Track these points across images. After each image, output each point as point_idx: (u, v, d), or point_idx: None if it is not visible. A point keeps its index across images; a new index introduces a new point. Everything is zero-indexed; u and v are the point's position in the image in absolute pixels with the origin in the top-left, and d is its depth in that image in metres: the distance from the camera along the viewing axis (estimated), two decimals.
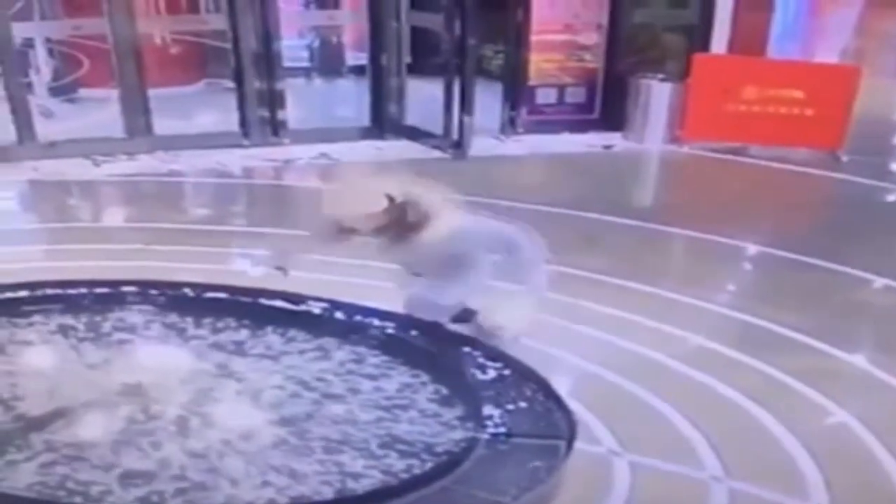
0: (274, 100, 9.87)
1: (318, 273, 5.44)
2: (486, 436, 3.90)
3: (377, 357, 4.57)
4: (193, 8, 11.27)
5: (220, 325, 4.84)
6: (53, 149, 9.21)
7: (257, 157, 9.63)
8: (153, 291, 5.08)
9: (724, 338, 5.64)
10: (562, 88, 10.76)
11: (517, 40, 10.50)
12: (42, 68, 10.64)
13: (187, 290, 5.15)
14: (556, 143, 10.34)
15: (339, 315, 4.96)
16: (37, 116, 9.45)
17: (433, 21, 9.98)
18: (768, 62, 10.39)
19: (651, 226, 7.70)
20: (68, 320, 4.77)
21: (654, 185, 9.98)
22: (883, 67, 10.31)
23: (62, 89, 10.79)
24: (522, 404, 4.19)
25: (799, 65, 10.29)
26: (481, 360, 4.52)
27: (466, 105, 9.62)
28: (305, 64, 12.12)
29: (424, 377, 4.39)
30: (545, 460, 3.80)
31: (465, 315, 4.74)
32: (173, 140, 9.57)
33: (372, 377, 4.37)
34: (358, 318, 4.94)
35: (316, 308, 5.02)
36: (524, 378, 4.37)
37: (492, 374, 4.44)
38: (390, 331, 4.78)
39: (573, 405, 4.25)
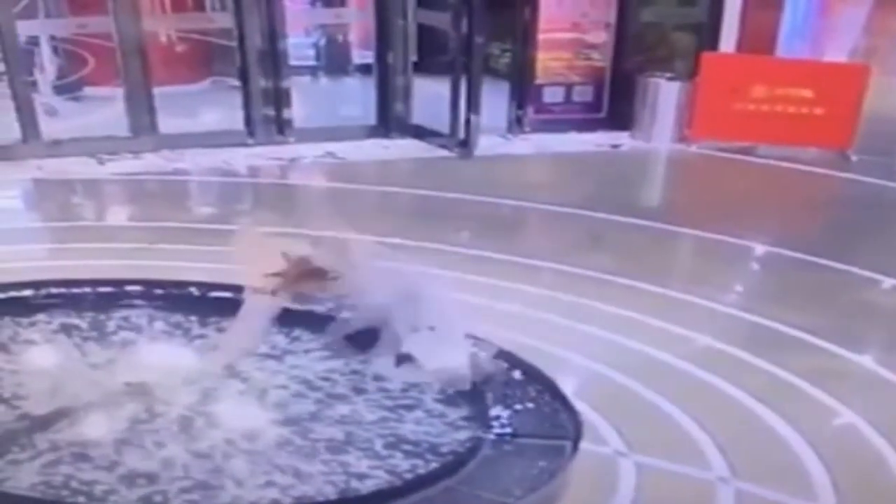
0: (279, 98, 9.85)
1: None
2: (491, 436, 3.87)
3: (381, 355, 4.52)
4: (199, 6, 11.25)
5: (224, 324, 4.80)
6: (58, 147, 9.20)
7: (262, 156, 9.62)
8: (158, 291, 5.05)
9: (731, 338, 5.62)
10: (569, 87, 10.72)
11: (524, 39, 10.47)
12: (47, 66, 10.62)
13: (192, 290, 5.11)
14: (563, 143, 10.32)
15: (344, 314, 4.91)
16: (41, 115, 9.43)
17: (440, 19, 9.95)
18: (777, 61, 10.34)
19: (659, 225, 7.68)
20: (72, 319, 4.73)
21: (661, 185, 9.95)
22: (893, 66, 10.25)
23: (67, 87, 10.78)
24: (528, 404, 4.15)
25: (808, 64, 10.24)
26: (487, 360, 4.48)
27: (473, 104, 9.59)
28: (311, 62, 12.08)
29: (429, 376, 4.34)
30: (551, 461, 3.76)
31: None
32: (178, 138, 9.55)
33: (376, 377, 4.34)
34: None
35: (320, 308, 4.97)
36: (530, 378, 4.33)
37: (498, 374, 4.39)
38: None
39: (579, 405, 4.22)
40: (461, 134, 9.72)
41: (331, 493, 3.47)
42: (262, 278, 3.99)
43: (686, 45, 10.77)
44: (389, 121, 10.27)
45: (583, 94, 10.77)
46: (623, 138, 10.42)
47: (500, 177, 9.24)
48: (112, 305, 4.87)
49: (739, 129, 9.93)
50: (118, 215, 8.36)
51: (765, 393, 4.96)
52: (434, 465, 3.65)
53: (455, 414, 4.07)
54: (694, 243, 7.52)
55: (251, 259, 4.09)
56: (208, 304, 4.98)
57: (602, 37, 10.64)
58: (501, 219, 8.14)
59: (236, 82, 9.99)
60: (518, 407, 4.11)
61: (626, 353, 5.34)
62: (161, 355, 4.43)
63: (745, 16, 10.34)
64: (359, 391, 4.19)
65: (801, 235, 7.61)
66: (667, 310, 5.92)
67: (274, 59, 9.76)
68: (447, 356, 4.04)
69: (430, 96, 10.20)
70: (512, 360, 4.46)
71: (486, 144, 9.89)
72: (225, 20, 9.97)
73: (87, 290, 4.97)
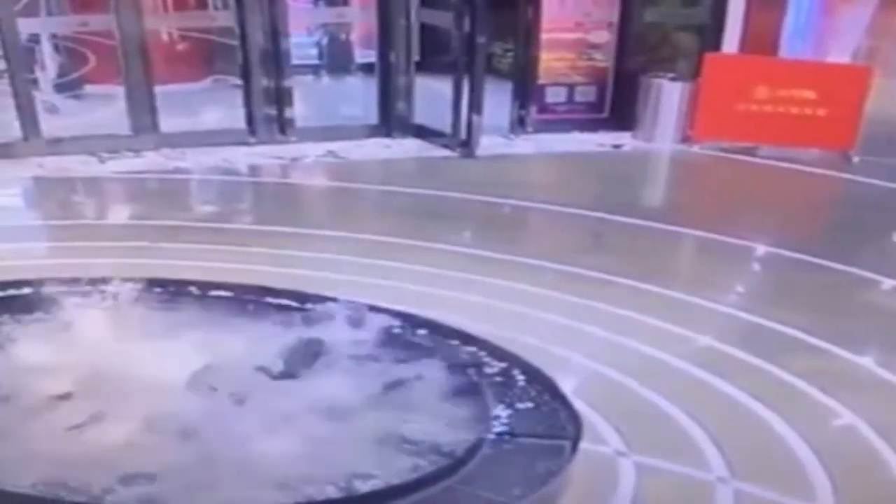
0: (281, 97, 9.84)
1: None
2: (491, 435, 3.87)
3: (382, 355, 4.53)
4: (201, 4, 11.24)
5: (225, 322, 4.80)
6: (59, 145, 9.20)
7: (264, 155, 9.61)
8: (158, 289, 5.05)
9: (732, 338, 5.61)
10: (572, 87, 10.71)
11: (527, 38, 10.46)
12: (48, 64, 10.63)
13: (193, 289, 5.12)
14: (565, 143, 10.31)
15: (344, 312, 4.91)
16: (42, 113, 9.43)
17: (443, 19, 9.94)
18: (780, 62, 10.33)
19: (660, 226, 7.67)
20: (72, 318, 4.73)
21: (663, 185, 9.94)
22: (895, 68, 10.25)
23: (68, 86, 10.78)
24: (528, 404, 4.15)
25: (811, 65, 10.22)
26: (487, 359, 4.49)
27: (475, 103, 9.58)
28: (314, 61, 12.07)
29: (430, 376, 4.34)
30: (550, 460, 3.76)
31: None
32: (179, 137, 9.55)
33: (377, 376, 4.33)
34: (363, 315, 4.89)
35: (321, 306, 4.97)
36: (530, 377, 4.33)
37: (497, 374, 4.40)
38: (396, 329, 4.74)
39: (579, 405, 4.21)
40: (463, 134, 9.71)
41: (332, 492, 3.46)
42: None
43: (689, 45, 10.76)
44: (391, 120, 10.26)
45: (585, 94, 10.77)
46: (625, 138, 10.41)
47: (502, 177, 9.23)
48: (113, 304, 4.87)
49: (742, 129, 9.92)
50: (119, 214, 8.34)
51: (764, 393, 4.95)
52: (434, 464, 3.65)
53: (455, 413, 4.07)
54: (695, 243, 7.51)
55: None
56: (209, 302, 4.99)
57: (605, 37, 10.63)
58: (503, 219, 8.13)
59: (238, 81, 9.98)
60: (518, 406, 4.10)
61: (626, 353, 5.34)
62: (160, 354, 4.41)
63: (748, 16, 10.32)
64: (359, 390, 4.19)
65: (802, 236, 7.60)
66: (667, 310, 5.91)
67: (276, 58, 9.75)
68: None
69: (432, 96, 10.19)
70: (512, 360, 4.46)
71: (489, 144, 9.88)
72: (227, 18, 9.95)
73: (88, 288, 4.98)
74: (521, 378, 4.36)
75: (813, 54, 10.34)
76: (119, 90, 9.55)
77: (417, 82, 10.25)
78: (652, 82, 10.29)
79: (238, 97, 9.89)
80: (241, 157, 9.49)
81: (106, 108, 9.94)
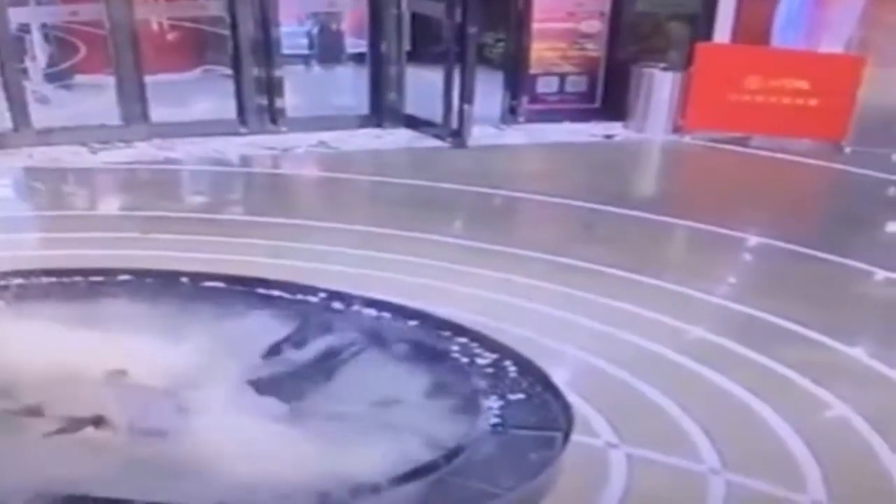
0: (272, 87, 9.81)
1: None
2: (483, 427, 3.86)
3: (373, 347, 4.52)
4: None
5: (216, 313, 4.79)
6: (49, 136, 9.16)
7: (255, 145, 9.58)
8: (149, 280, 5.03)
9: (724, 330, 5.61)
10: (563, 77, 10.69)
11: (518, 28, 10.44)
12: (38, 54, 10.57)
13: (184, 279, 5.10)
14: (556, 133, 10.29)
15: (336, 304, 4.90)
16: (32, 103, 9.38)
17: (434, 8, 9.91)
18: (772, 52, 10.31)
19: (652, 216, 7.66)
20: (63, 309, 4.71)
21: (655, 176, 9.94)
22: (888, 58, 10.23)
23: (58, 75, 10.73)
24: (520, 395, 4.14)
25: (803, 54, 10.21)
26: (478, 350, 4.48)
27: (466, 93, 9.56)
28: (304, 51, 12.02)
29: (421, 368, 4.34)
30: (542, 452, 3.76)
31: None
32: (170, 127, 9.51)
33: (368, 367, 4.33)
34: (356, 307, 4.88)
35: (313, 298, 4.96)
36: (522, 369, 4.32)
37: (489, 365, 4.39)
38: (388, 320, 4.73)
39: (571, 397, 4.21)
40: (454, 124, 9.69)
41: (322, 484, 3.46)
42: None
43: (681, 35, 10.73)
44: (382, 110, 10.23)
45: (577, 84, 10.75)
46: (617, 129, 10.40)
47: (493, 167, 9.22)
48: (104, 295, 4.85)
49: (734, 119, 9.92)
50: (110, 204, 8.32)
51: (757, 385, 4.96)
52: (426, 456, 3.64)
53: (447, 405, 4.07)
54: (687, 234, 7.51)
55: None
56: (200, 293, 4.97)
57: (596, 26, 10.61)
58: (494, 209, 8.12)
59: (228, 71, 9.95)
60: (510, 398, 4.10)
61: (617, 345, 5.34)
62: (151, 345, 4.40)
63: (739, 6, 10.31)
64: (350, 382, 4.19)
65: (794, 227, 7.60)
66: (659, 301, 5.91)
67: (266, 48, 9.72)
68: None
69: (423, 86, 10.16)
70: (504, 351, 4.45)
71: (480, 134, 9.86)
72: (217, 8, 9.91)
73: (79, 279, 4.96)
74: (512, 369, 4.35)
75: (805, 44, 10.32)
76: (109, 80, 9.51)
77: (409, 72, 10.22)
78: (644, 72, 10.28)
79: (229, 87, 9.86)
80: (232, 147, 9.46)
81: (96, 99, 9.90)
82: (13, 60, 9.26)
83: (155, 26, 10.93)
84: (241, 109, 9.83)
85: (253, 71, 9.73)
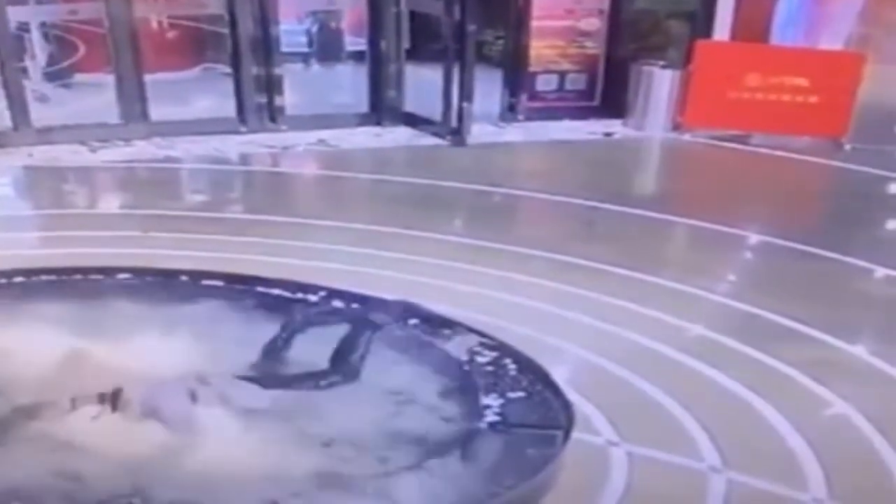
0: (271, 85, 9.81)
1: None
2: (482, 425, 3.84)
3: (372, 345, 4.50)
4: None
5: (216, 313, 4.77)
6: (49, 134, 9.15)
7: (254, 144, 9.58)
8: (149, 279, 5.00)
9: (723, 327, 5.60)
10: (562, 75, 10.69)
11: (518, 26, 10.44)
12: (37, 53, 10.56)
13: (184, 278, 5.07)
14: (556, 131, 10.29)
15: (336, 303, 4.88)
16: (32, 102, 9.38)
17: (433, 6, 9.90)
18: (771, 49, 10.31)
19: (652, 214, 7.66)
20: (63, 308, 4.69)
21: (654, 173, 9.94)
22: (888, 55, 10.23)
23: (57, 74, 10.73)
24: (519, 393, 4.12)
25: (802, 52, 10.21)
26: (478, 348, 4.46)
27: (466, 91, 9.56)
28: (304, 49, 12.03)
29: (419, 366, 4.32)
30: (542, 450, 3.74)
31: None
32: (170, 126, 9.51)
33: (366, 366, 4.31)
34: (354, 306, 4.86)
35: (313, 296, 4.93)
36: (521, 367, 4.30)
37: (489, 363, 4.37)
38: (385, 319, 4.70)
39: (571, 395, 4.20)
40: (454, 122, 9.69)
41: (322, 485, 3.44)
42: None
43: (680, 32, 10.74)
44: (382, 108, 10.23)
45: (576, 81, 10.75)
46: (616, 126, 10.40)
47: (492, 165, 9.22)
48: (104, 294, 4.83)
49: (733, 117, 9.91)
50: (110, 203, 8.31)
51: (757, 383, 4.95)
52: (424, 454, 3.63)
53: (445, 403, 4.05)
54: (686, 232, 7.51)
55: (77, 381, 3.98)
56: (200, 292, 4.95)
57: (595, 24, 10.61)
58: (494, 207, 8.12)
59: (228, 69, 9.95)
60: (509, 396, 4.08)
61: (618, 342, 5.33)
62: (152, 344, 4.38)
63: (739, 3, 10.30)
64: (349, 381, 4.17)
65: (794, 224, 7.60)
66: (659, 299, 5.91)
67: (266, 46, 9.72)
68: None
69: (422, 84, 10.16)
70: (503, 349, 4.44)
71: (479, 132, 9.86)
72: (216, 6, 9.91)
73: (79, 278, 4.94)
74: (512, 367, 4.34)
75: (805, 41, 10.33)
76: (109, 79, 9.51)
77: (408, 70, 10.22)
78: (643, 70, 10.27)
79: (228, 85, 9.86)
80: (232, 145, 9.46)
81: (96, 97, 9.90)
82: (13, 59, 9.26)
83: (154, 25, 10.93)
84: (240, 108, 9.83)
85: (252, 69, 9.73)
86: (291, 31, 11.20)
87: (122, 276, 4.92)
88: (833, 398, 4.91)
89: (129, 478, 3.26)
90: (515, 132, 10.31)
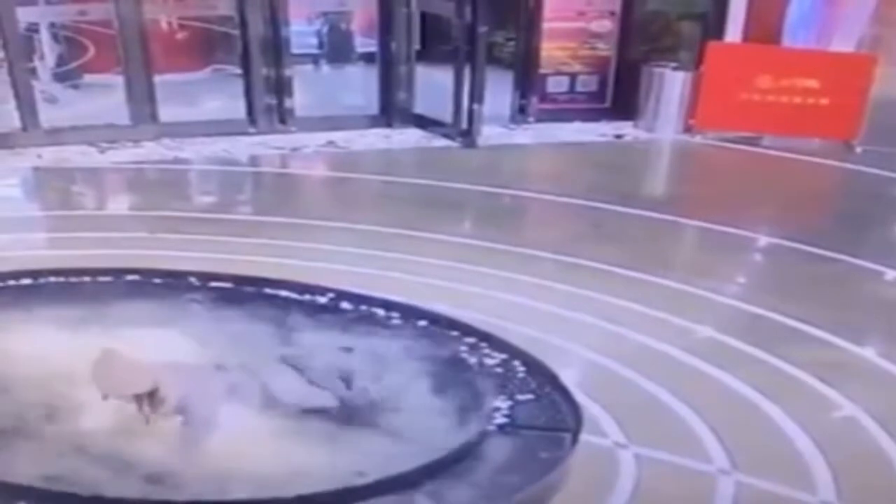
0: (281, 87, 9.82)
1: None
2: (490, 427, 3.83)
3: (380, 347, 4.49)
4: None
5: (223, 314, 4.76)
6: (58, 135, 9.17)
7: (264, 145, 9.58)
8: (158, 280, 5.00)
9: (733, 330, 5.58)
10: (573, 77, 10.67)
11: (529, 27, 10.42)
12: (47, 54, 10.59)
13: (192, 280, 5.07)
14: (566, 132, 10.27)
15: (344, 305, 4.87)
16: (41, 103, 9.40)
17: (443, 7, 9.89)
18: (783, 51, 10.27)
19: (662, 216, 7.64)
20: (71, 310, 4.69)
21: (665, 175, 9.91)
22: None
23: (66, 75, 10.75)
24: (528, 395, 4.11)
25: (814, 54, 10.16)
26: (487, 350, 4.45)
27: (476, 93, 9.54)
28: (314, 50, 12.02)
29: (428, 367, 4.31)
30: (550, 452, 3.72)
31: None
32: (179, 127, 9.52)
33: (374, 367, 4.30)
34: (363, 307, 4.85)
35: (320, 298, 4.92)
36: (530, 369, 4.29)
37: (497, 365, 4.36)
38: (395, 321, 4.69)
39: (579, 397, 4.18)
40: (464, 123, 9.67)
41: (326, 486, 3.43)
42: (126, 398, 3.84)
43: (691, 34, 10.71)
44: (392, 110, 10.22)
45: (587, 83, 10.73)
46: (627, 128, 10.37)
47: (503, 167, 9.21)
48: (112, 296, 4.83)
49: (744, 119, 9.88)
50: (118, 204, 8.33)
51: (766, 385, 4.92)
52: (433, 456, 3.62)
53: (454, 405, 4.04)
54: (697, 234, 7.48)
55: (112, 381, 3.96)
56: (208, 294, 4.94)
57: (607, 26, 10.59)
58: (504, 209, 8.10)
59: (238, 70, 9.96)
60: (518, 398, 4.07)
61: (626, 344, 5.32)
62: (159, 346, 4.37)
63: (751, 5, 10.27)
64: (355, 382, 4.16)
65: (804, 226, 7.57)
66: (668, 300, 5.89)
67: (276, 48, 9.72)
68: None
69: (433, 85, 10.15)
70: (512, 351, 4.43)
71: (490, 134, 9.85)
72: (226, 7, 9.92)
73: (87, 279, 4.94)
74: (521, 369, 4.32)
75: (816, 43, 10.28)
76: (118, 80, 9.52)
77: (418, 72, 10.21)
78: (654, 72, 10.25)
79: (238, 87, 9.87)
80: (242, 147, 9.47)
81: (105, 98, 9.91)
82: (22, 60, 9.28)
83: (164, 26, 10.94)
84: (250, 109, 9.84)
85: (262, 70, 9.74)
86: (301, 32, 11.19)
87: (130, 277, 4.93)
88: (842, 400, 4.89)
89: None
90: (526, 134, 10.29)
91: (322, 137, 9.74)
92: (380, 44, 10.27)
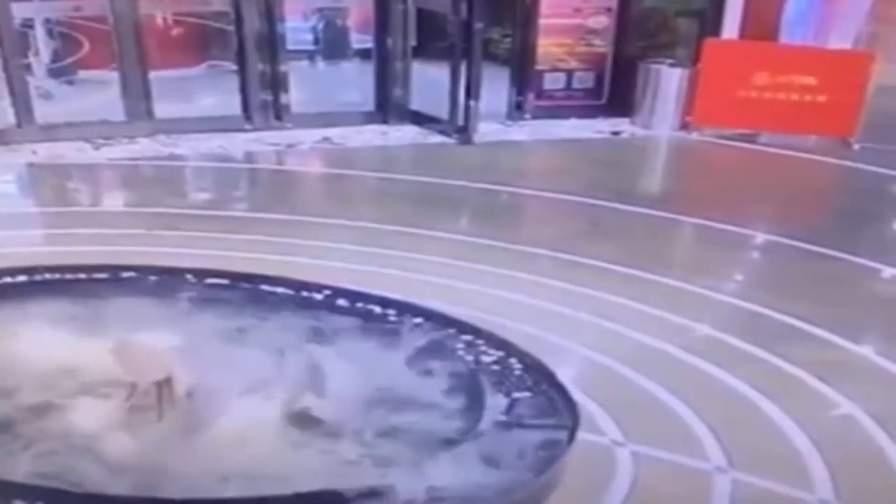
0: (277, 83, 9.80)
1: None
2: (486, 424, 3.81)
3: (375, 344, 4.47)
4: None
5: (220, 311, 4.74)
6: (53, 132, 9.14)
7: (260, 142, 9.56)
8: (153, 277, 4.97)
9: (730, 327, 5.57)
10: (570, 73, 10.66)
11: (525, 24, 10.41)
12: (41, 50, 10.54)
13: (189, 276, 5.04)
14: (563, 129, 10.26)
15: (341, 302, 4.84)
16: (36, 99, 9.36)
17: (439, 3, 9.87)
18: (780, 48, 10.25)
19: (659, 213, 7.63)
20: (67, 307, 4.66)
21: (661, 172, 9.89)
22: None
23: (61, 71, 10.70)
24: (525, 393, 4.09)
25: (811, 50, 10.15)
26: (483, 347, 4.43)
27: (473, 89, 9.53)
28: (309, 47, 11.99)
29: (423, 364, 4.29)
30: (547, 450, 3.70)
31: None
32: (174, 123, 9.50)
33: (369, 364, 4.28)
34: (359, 304, 4.83)
35: (318, 295, 4.90)
36: (527, 366, 4.27)
37: (494, 362, 4.34)
38: (392, 318, 4.67)
39: (576, 395, 4.17)
40: (460, 120, 9.66)
41: (321, 484, 3.41)
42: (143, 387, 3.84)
43: (688, 31, 10.70)
44: (388, 106, 10.20)
45: (583, 80, 10.71)
46: (624, 125, 10.36)
47: (499, 163, 9.19)
48: (108, 293, 4.80)
49: (741, 116, 9.87)
50: (114, 201, 8.30)
51: (763, 383, 4.91)
52: (428, 454, 3.60)
53: (450, 402, 4.02)
54: (694, 231, 7.47)
55: (135, 368, 3.96)
56: (205, 290, 4.92)
57: (603, 22, 10.57)
58: (500, 206, 8.09)
59: (233, 67, 9.93)
60: (514, 395, 4.05)
61: (623, 342, 5.30)
62: (156, 344, 4.35)
63: (748, 2, 10.26)
64: (349, 379, 4.14)
65: (801, 224, 7.56)
66: (665, 298, 5.87)
67: (271, 44, 9.70)
68: None
69: (429, 82, 10.13)
70: (509, 349, 4.41)
71: (486, 131, 9.84)
72: (222, 3, 9.90)
73: (83, 276, 4.91)
74: (517, 367, 4.30)
75: (813, 40, 10.27)
76: (113, 76, 9.49)
77: (414, 68, 10.19)
78: (651, 68, 10.24)
79: (233, 83, 9.84)
80: (237, 143, 9.44)
81: (100, 94, 9.87)
82: (17, 56, 9.25)
83: (159, 21, 10.90)
84: (245, 105, 9.82)
85: (258, 67, 9.72)
86: (297, 28, 11.16)
87: (126, 274, 4.90)
88: (839, 398, 4.88)
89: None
90: (522, 131, 10.28)
91: (318, 134, 9.72)
92: (376, 40, 10.26)
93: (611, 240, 7.02)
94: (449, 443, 3.63)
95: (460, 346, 4.47)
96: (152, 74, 9.46)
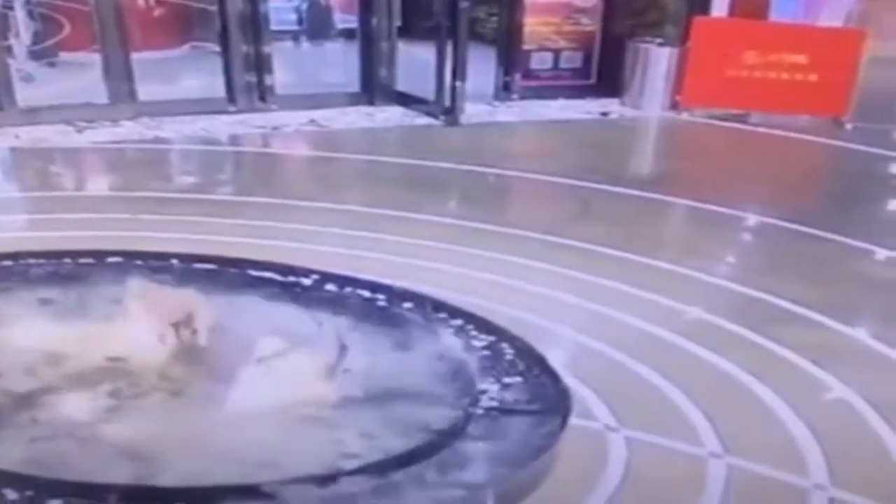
0: (261, 64, 9.71)
1: None
2: (478, 411, 3.76)
3: (367, 330, 4.41)
4: None
5: (209, 296, 4.66)
6: (35, 115, 9.03)
7: (244, 124, 9.48)
8: (139, 262, 4.90)
9: (722, 310, 5.52)
10: (557, 53, 10.59)
11: (511, 3, 10.35)
12: (22, 32, 10.39)
13: (174, 261, 4.97)
14: (551, 110, 10.20)
15: (329, 286, 4.78)
16: (17, 81, 9.24)
17: None
18: (770, 26, 10.20)
19: (649, 195, 7.58)
20: (51, 293, 4.59)
21: (651, 153, 9.84)
22: (889, 31, 10.14)
23: (42, 53, 10.56)
24: (516, 378, 4.04)
25: (802, 29, 10.10)
26: (474, 333, 4.37)
27: (459, 70, 9.45)
28: (294, 27, 11.89)
29: (416, 351, 4.24)
30: (539, 435, 3.66)
31: None
32: (158, 106, 9.41)
33: (362, 351, 4.22)
34: (349, 289, 4.76)
35: (306, 280, 4.83)
36: (518, 352, 4.22)
37: (485, 347, 4.29)
38: (381, 303, 4.61)
39: (568, 380, 4.11)
40: (447, 101, 9.59)
41: (318, 471, 3.36)
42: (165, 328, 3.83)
43: (677, 9, 10.62)
44: (373, 87, 10.12)
45: (571, 59, 10.65)
46: (612, 105, 10.31)
47: (486, 145, 9.13)
48: (93, 278, 4.73)
49: (731, 95, 9.83)
50: (98, 185, 8.20)
51: (757, 367, 4.87)
52: (421, 441, 3.55)
53: (442, 389, 3.97)
54: (684, 213, 7.43)
55: (149, 311, 3.94)
56: (191, 275, 4.85)
57: (591, 0, 10.48)
58: (488, 188, 8.02)
59: (216, 48, 9.82)
60: (505, 381, 4.01)
61: (615, 326, 5.25)
62: (142, 329, 4.28)
63: None
64: (344, 366, 4.08)
65: (793, 205, 7.53)
66: (657, 281, 5.83)
67: (255, 24, 9.61)
68: None
69: (415, 62, 10.04)
70: (500, 334, 4.35)
71: (473, 112, 9.77)
72: None
73: (67, 261, 4.84)
74: (508, 352, 4.25)
75: (804, 18, 10.22)
76: (95, 58, 9.38)
77: (400, 48, 10.10)
78: (639, 47, 10.18)
79: (217, 64, 9.74)
80: (221, 126, 9.36)
81: (82, 76, 9.75)
82: None
83: (140, 2, 10.76)
84: (229, 87, 9.73)
85: (241, 48, 9.62)
86: (281, 8, 11.04)
87: (112, 259, 4.83)
88: (834, 382, 4.84)
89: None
90: (510, 111, 10.21)
91: (303, 116, 9.64)
92: (360, 20, 10.17)
93: (601, 222, 6.97)
94: (437, 430, 3.58)
95: (450, 330, 4.42)
96: (134, 56, 9.36)
